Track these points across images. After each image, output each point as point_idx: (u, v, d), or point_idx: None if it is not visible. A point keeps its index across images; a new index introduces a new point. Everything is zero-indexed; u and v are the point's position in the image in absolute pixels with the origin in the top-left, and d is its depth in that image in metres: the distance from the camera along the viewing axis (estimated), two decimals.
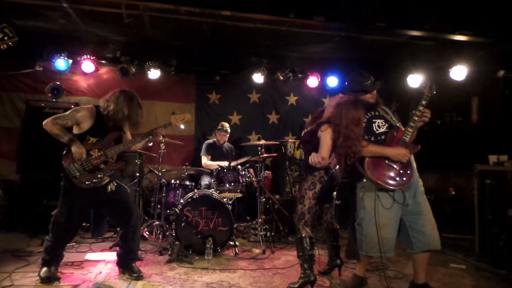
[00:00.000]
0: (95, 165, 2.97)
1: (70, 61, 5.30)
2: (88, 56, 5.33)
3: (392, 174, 2.66)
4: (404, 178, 2.66)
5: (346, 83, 3.00)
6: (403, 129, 2.78)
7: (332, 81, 6.16)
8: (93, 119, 3.00)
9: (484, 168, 3.97)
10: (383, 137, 2.80)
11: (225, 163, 4.58)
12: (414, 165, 2.79)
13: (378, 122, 2.86)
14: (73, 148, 2.89)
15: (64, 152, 2.96)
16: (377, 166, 2.69)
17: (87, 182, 2.94)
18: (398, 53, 5.39)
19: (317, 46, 5.32)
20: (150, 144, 3.35)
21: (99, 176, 2.98)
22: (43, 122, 2.94)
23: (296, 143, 5.59)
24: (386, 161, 2.68)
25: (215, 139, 5.50)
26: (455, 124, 5.50)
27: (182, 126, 3.46)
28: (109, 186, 3.07)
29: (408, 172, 2.68)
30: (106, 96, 3.09)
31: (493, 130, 4.78)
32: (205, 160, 5.24)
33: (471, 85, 5.08)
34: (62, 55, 5.20)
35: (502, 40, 4.45)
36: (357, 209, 2.87)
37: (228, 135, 5.44)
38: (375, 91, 2.92)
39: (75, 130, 3.01)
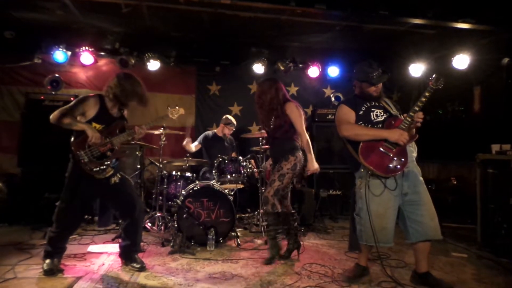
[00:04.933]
0: (102, 152, 2.99)
1: (69, 53, 5.27)
2: (87, 48, 5.29)
3: (385, 160, 2.68)
4: (398, 166, 2.68)
5: (354, 71, 2.99)
6: (401, 118, 2.78)
7: (333, 71, 6.12)
8: (97, 107, 3.02)
9: (487, 157, 3.95)
10: (380, 125, 2.82)
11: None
12: (410, 154, 2.79)
13: (377, 112, 2.88)
14: (90, 132, 2.90)
15: (73, 138, 2.96)
16: (370, 152, 2.71)
17: (95, 169, 2.96)
18: (400, 42, 5.34)
19: (318, 36, 5.27)
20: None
21: (106, 163, 3.00)
22: (51, 116, 2.92)
23: None
24: (381, 148, 2.69)
25: (215, 130, 5.47)
26: (457, 113, 5.47)
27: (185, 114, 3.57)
28: (113, 179, 3.08)
29: (402, 159, 2.69)
30: (106, 85, 3.10)
31: (495, 119, 4.75)
32: (191, 144, 5.20)
33: (473, 74, 5.04)
34: (61, 47, 5.16)
35: (505, 28, 4.39)
36: (356, 199, 2.89)
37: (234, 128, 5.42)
38: (381, 84, 2.89)
39: (80, 120, 3.00)
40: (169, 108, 3.59)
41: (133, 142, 3.38)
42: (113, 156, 3.06)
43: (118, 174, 3.12)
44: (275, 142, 3.50)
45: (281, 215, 3.39)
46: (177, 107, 3.59)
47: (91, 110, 3.00)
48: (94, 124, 2.99)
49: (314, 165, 3.39)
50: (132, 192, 3.21)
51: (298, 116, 3.39)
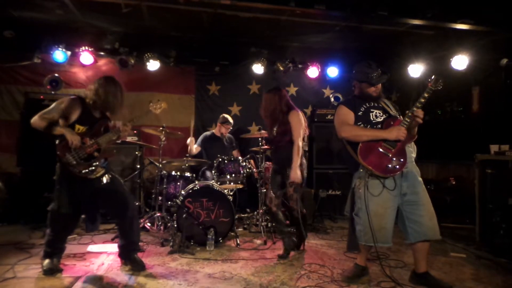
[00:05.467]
0: (89, 154, 2.98)
1: (69, 52, 5.26)
2: (87, 48, 5.28)
3: (383, 160, 2.69)
4: (397, 166, 2.68)
5: (353, 71, 3.01)
6: (400, 118, 2.79)
7: (333, 72, 6.13)
8: (79, 109, 2.99)
9: (485, 157, 3.97)
10: (379, 126, 2.82)
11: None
12: (409, 154, 2.80)
13: (376, 113, 2.89)
14: (68, 136, 2.87)
15: (58, 142, 2.94)
16: (369, 152, 2.72)
17: (84, 171, 2.95)
18: (399, 42, 5.35)
19: (317, 36, 5.27)
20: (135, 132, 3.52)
21: (94, 164, 2.99)
22: (31, 121, 2.93)
23: None
24: (380, 149, 2.70)
25: (214, 131, 5.47)
26: (456, 113, 5.48)
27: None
28: (104, 178, 3.07)
29: (401, 160, 2.70)
30: (89, 85, 3.10)
31: (494, 119, 4.76)
32: (194, 144, 5.23)
33: (472, 75, 5.05)
34: (60, 46, 5.15)
35: (503, 28, 4.41)
36: (355, 200, 2.89)
37: (231, 128, 5.43)
38: (380, 85, 2.91)
39: (62, 123, 2.97)
40: (151, 103, 3.62)
41: (119, 141, 3.38)
42: (101, 156, 3.04)
43: (108, 174, 3.11)
44: (279, 149, 3.64)
45: (305, 214, 3.72)
46: (159, 102, 3.61)
47: (73, 112, 2.98)
48: (77, 126, 2.97)
49: (296, 175, 3.38)
50: (123, 191, 3.19)
51: (297, 122, 3.52)
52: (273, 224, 4.51)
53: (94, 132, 3.04)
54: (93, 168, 2.98)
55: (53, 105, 2.99)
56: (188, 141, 5.13)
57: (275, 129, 3.63)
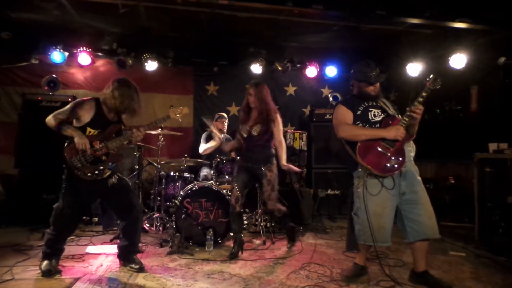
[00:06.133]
0: (97, 157, 2.97)
1: (66, 53, 5.26)
2: (84, 48, 5.28)
3: (382, 159, 2.69)
4: (396, 165, 2.68)
5: (352, 71, 3.01)
6: (399, 118, 2.79)
7: (331, 71, 6.13)
8: (92, 111, 3.00)
9: (484, 156, 3.97)
10: (378, 125, 2.82)
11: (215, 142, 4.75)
12: (408, 153, 2.80)
13: (374, 112, 2.89)
14: (76, 139, 2.88)
15: (66, 144, 2.95)
16: (368, 151, 2.71)
17: (89, 174, 2.94)
18: (398, 42, 5.34)
19: (315, 36, 5.27)
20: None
21: (101, 168, 2.98)
22: (46, 119, 2.95)
23: (296, 134, 5.58)
24: (379, 148, 2.70)
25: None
26: (454, 112, 5.48)
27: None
28: (110, 180, 3.07)
29: (400, 159, 2.70)
30: (104, 89, 3.08)
31: (492, 118, 4.76)
32: (201, 147, 5.15)
33: (470, 74, 5.05)
34: (58, 47, 5.15)
35: (501, 27, 4.41)
36: (354, 199, 2.89)
37: (227, 122, 5.41)
38: (378, 84, 2.91)
39: (75, 124, 2.99)
40: (171, 108, 3.39)
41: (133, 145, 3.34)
42: (109, 160, 3.02)
43: (115, 175, 3.11)
44: (257, 149, 3.68)
45: (286, 211, 3.86)
46: (180, 107, 3.40)
47: (86, 115, 2.98)
48: (89, 129, 2.97)
49: (289, 166, 3.84)
50: (130, 193, 3.19)
51: (280, 122, 3.74)
52: (271, 224, 4.51)
53: (105, 136, 3.02)
54: (98, 172, 2.97)
55: (68, 105, 2.99)
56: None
57: (257, 126, 3.60)
